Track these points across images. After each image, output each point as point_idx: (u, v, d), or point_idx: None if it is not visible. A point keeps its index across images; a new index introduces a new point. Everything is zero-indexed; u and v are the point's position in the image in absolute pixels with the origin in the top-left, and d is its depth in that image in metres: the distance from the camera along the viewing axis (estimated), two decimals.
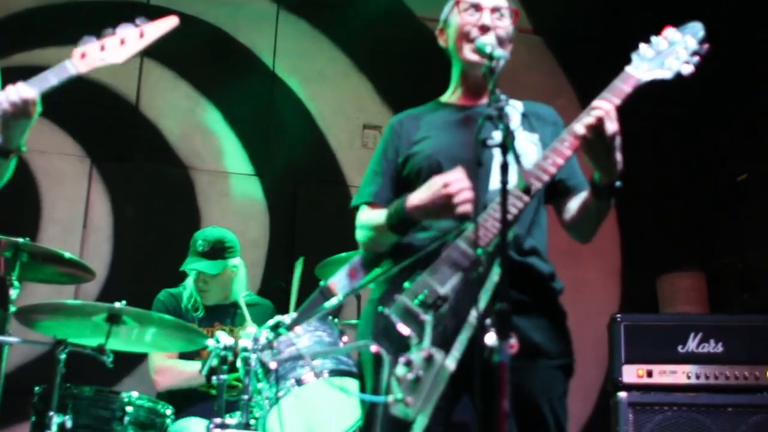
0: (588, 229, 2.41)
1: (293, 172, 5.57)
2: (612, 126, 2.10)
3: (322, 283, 2.31)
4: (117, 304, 3.19)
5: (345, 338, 3.42)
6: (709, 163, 5.73)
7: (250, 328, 3.72)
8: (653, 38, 2.22)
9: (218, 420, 3.14)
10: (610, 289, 5.82)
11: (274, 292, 4.79)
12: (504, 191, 1.80)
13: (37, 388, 3.33)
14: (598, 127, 2.09)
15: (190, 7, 5.08)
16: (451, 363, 1.93)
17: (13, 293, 3.24)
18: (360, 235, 2.45)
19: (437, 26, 2.59)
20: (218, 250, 4.10)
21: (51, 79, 2.57)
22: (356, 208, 2.51)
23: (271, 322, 3.17)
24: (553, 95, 5.23)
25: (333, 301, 2.29)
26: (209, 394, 3.84)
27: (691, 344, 3.82)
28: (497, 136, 1.86)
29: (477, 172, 2.02)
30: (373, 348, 2.10)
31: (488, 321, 1.70)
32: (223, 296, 4.20)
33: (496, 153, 1.86)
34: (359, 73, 5.81)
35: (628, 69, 2.19)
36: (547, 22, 5.98)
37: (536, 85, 5.55)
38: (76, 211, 5.16)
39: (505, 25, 2.46)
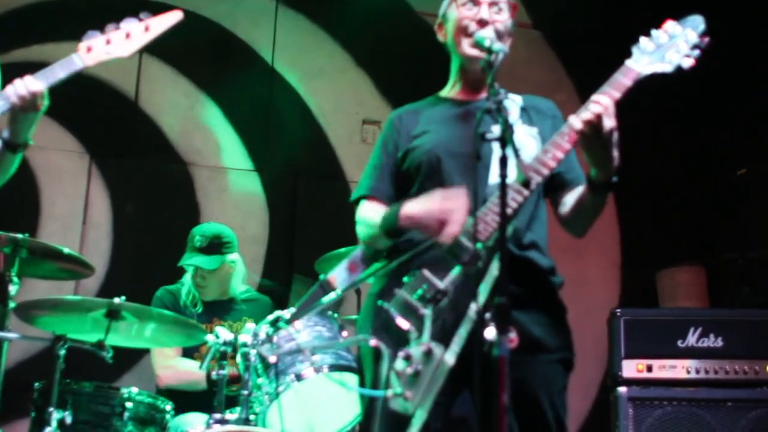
0: (583, 224, 2.41)
1: (293, 167, 5.57)
2: (609, 122, 2.10)
3: (321, 276, 2.32)
4: (116, 300, 3.19)
5: (344, 333, 3.43)
6: (709, 159, 5.72)
7: (250, 324, 3.72)
8: (654, 31, 2.21)
9: (218, 415, 3.14)
10: (609, 284, 5.82)
11: (272, 290, 4.80)
12: (503, 185, 1.80)
13: (36, 384, 3.33)
14: (595, 123, 2.09)
15: (189, 3, 5.05)
16: (450, 357, 1.93)
17: (12, 289, 3.25)
18: (359, 230, 2.45)
19: (436, 21, 2.59)
20: (216, 246, 4.10)
21: (58, 72, 2.58)
22: (356, 202, 2.51)
23: (270, 316, 3.17)
24: (553, 90, 5.22)
25: (332, 295, 2.29)
26: (209, 391, 3.84)
27: (691, 339, 3.82)
28: (496, 129, 1.86)
29: (476, 165, 2.01)
30: (373, 342, 2.10)
31: (488, 315, 1.70)
32: (221, 292, 4.20)
33: (496, 147, 1.86)
34: (359, 69, 5.80)
35: (628, 62, 2.18)
36: (546, 16, 5.97)
37: (535, 79, 5.54)
38: (76, 208, 5.15)
39: (503, 19, 2.45)
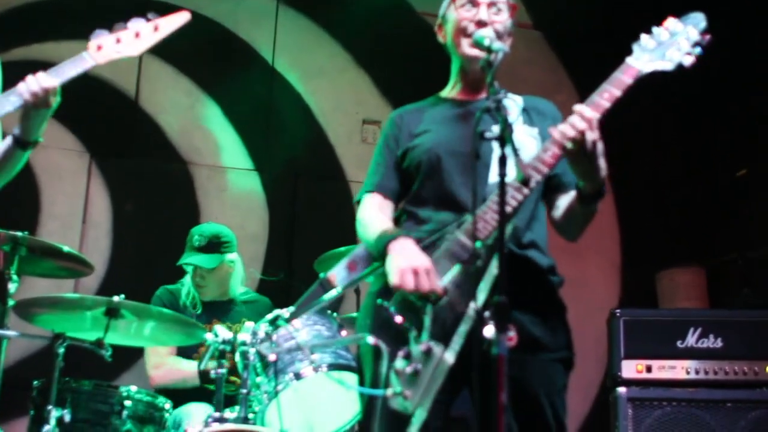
0: (573, 230, 2.40)
1: (292, 167, 5.57)
2: (592, 135, 2.08)
3: (321, 275, 2.31)
4: (115, 298, 3.19)
5: (344, 332, 3.42)
6: (709, 159, 5.72)
7: (249, 323, 3.72)
8: (654, 29, 2.20)
9: (217, 414, 3.14)
10: (609, 284, 5.81)
11: (271, 288, 4.80)
12: (502, 184, 1.80)
13: (35, 382, 3.34)
14: (579, 139, 2.08)
15: (190, 2, 5.05)
16: (450, 356, 1.93)
17: (11, 287, 3.24)
18: (359, 230, 2.45)
19: (436, 22, 2.59)
20: (214, 245, 4.10)
21: (70, 69, 2.59)
22: (359, 202, 2.52)
23: (269, 315, 3.17)
24: (553, 91, 5.22)
25: (332, 294, 2.28)
26: (207, 389, 3.84)
27: (691, 339, 3.82)
28: (495, 129, 1.86)
29: (475, 164, 2.01)
30: (372, 341, 2.10)
31: (487, 314, 1.70)
32: (221, 292, 4.20)
33: (495, 146, 1.86)
34: (359, 69, 5.80)
35: (629, 60, 2.17)
36: (546, 17, 5.97)
37: (536, 80, 5.53)
38: (76, 206, 5.15)
39: (502, 19, 2.45)
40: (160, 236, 5.06)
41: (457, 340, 1.94)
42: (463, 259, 2.08)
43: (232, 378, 3.64)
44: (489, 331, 1.68)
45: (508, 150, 1.82)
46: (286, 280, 5.06)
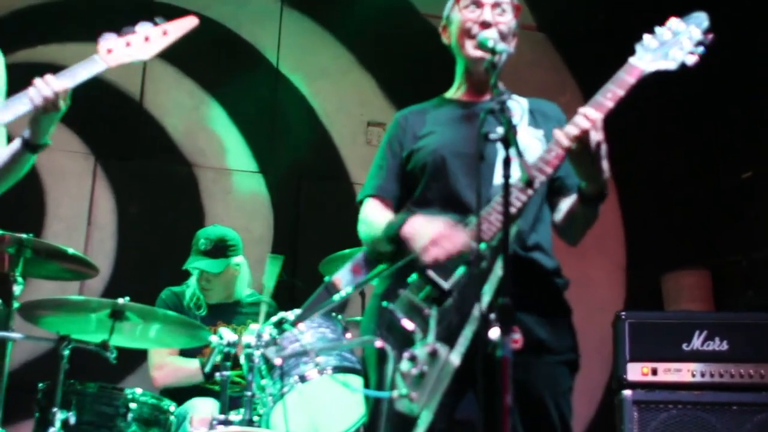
0: (574, 233, 2.40)
1: (297, 168, 5.57)
2: (596, 136, 2.08)
3: (326, 278, 2.31)
4: (120, 301, 3.19)
5: (348, 335, 3.42)
6: (713, 160, 5.71)
7: (254, 325, 3.72)
8: (657, 29, 2.20)
9: (221, 417, 3.14)
10: (614, 286, 5.80)
11: (276, 290, 4.79)
12: (506, 185, 1.79)
13: (40, 385, 3.33)
14: (583, 139, 2.07)
15: (194, 4, 5.06)
16: (455, 358, 1.92)
17: (16, 289, 3.23)
18: (361, 229, 2.45)
19: (440, 24, 2.58)
20: (220, 249, 4.09)
21: (81, 73, 2.59)
22: (362, 202, 2.52)
23: (274, 318, 3.16)
24: (557, 92, 5.22)
25: (340, 296, 2.28)
26: (212, 390, 3.84)
27: (696, 342, 3.81)
28: (500, 130, 1.85)
29: (479, 166, 2.01)
30: (378, 343, 2.10)
31: (492, 316, 1.69)
32: (226, 295, 4.20)
33: (500, 147, 1.86)
34: (363, 70, 5.80)
35: (632, 60, 2.17)
36: (550, 18, 5.97)
37: (540, 82, 5.53)
38: (81, 208, 5.16)
39: (506, 20, 2.45)
40: (165, 238, 5.07)
41: (463, 342, 1.94)
42: (468, 261, 2.08)
43: (237, 378, 3.64)
44: (494, 333, 1.67)
45: (512, 151, 1.82)
46: (290, 281, 5.05)
